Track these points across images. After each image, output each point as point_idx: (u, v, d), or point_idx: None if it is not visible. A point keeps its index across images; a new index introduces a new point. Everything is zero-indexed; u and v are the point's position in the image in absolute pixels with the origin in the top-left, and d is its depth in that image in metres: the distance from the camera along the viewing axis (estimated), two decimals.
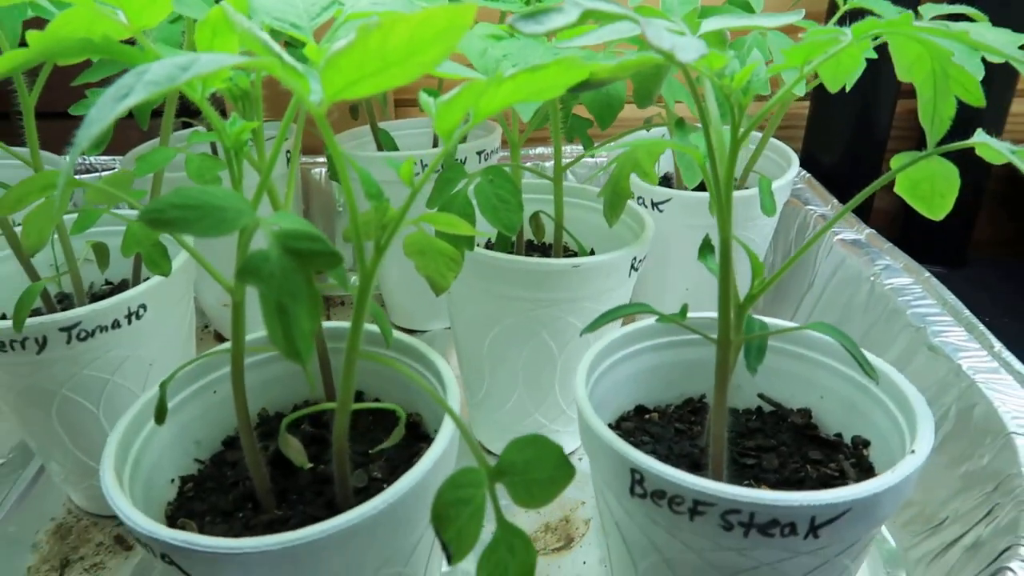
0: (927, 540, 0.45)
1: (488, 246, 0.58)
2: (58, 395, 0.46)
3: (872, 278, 0.58)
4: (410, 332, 0.75)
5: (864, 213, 0.84)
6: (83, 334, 0.44)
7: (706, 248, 0.39)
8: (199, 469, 0.39)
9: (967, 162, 0.91)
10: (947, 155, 0.35)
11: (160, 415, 0.33)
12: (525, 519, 0.52)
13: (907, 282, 0.55)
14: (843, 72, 0.37)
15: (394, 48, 0.23)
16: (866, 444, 0.37)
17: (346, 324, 0.41)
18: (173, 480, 0.37)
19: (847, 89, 0.51)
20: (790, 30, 0.57)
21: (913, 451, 0.31)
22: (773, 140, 0.66)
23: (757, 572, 0.31)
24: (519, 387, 0.53)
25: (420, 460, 0.31)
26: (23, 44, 0.37)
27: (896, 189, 0.38)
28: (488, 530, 0.26)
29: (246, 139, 0.32)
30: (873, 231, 0.64)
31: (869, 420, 0.37)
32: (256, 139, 0.36)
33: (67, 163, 0.23)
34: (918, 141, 0.86)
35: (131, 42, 0.32)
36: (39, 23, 0.37)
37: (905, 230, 0.88)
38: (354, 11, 0.34)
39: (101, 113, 0.21)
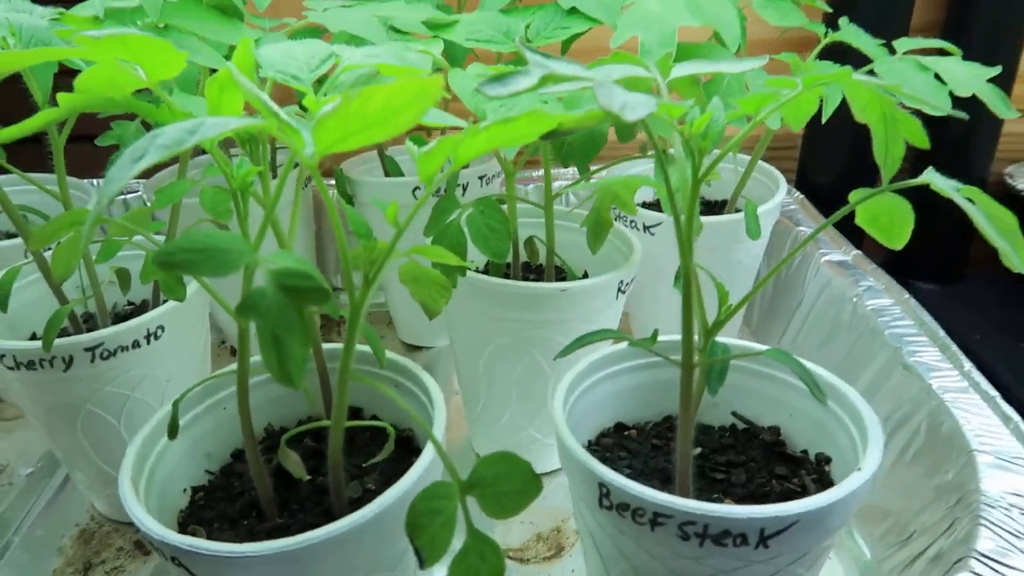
0: (899, 552, 0.47)
1: (486, 269, 0.61)
2: (83, 410, 0.50)
3: (855, 299, 0.60)
4: (416, 348, 0.78)
5: (859, 231, 0.85)
6: (106, 353, 0.48)
7: (679, 275, 0.41)
8: (209, 480, 0.42)
9: (962, 180, 0.93)
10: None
11: (172, 431, 0.36)
12: (519, 530, 0.54)
13: (887, 303, 0.58)
14: (803, 114, 0.39)
15: (373, 112, 0.26)
16: (828, 461, 0.40)
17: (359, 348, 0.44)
18: (185, 490, 0.41)
19: (823, 121, 0.54)
20: (774, 65, 0.59)
21: (860, 468, 0.33)
22: (763, 164, 0.68)
23: None
24: (513, 403, 0.56)
25: (406, 474, 0.34)
26: (54, 91, 0.41)
27: (857, 221, 0.41)
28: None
29: (251, 181, 0.35)
30: (860, 253, 0.66)
31: (832, 438, 0.39)
32: (262, 178, 0.39)
33: (92, 212, 0.27)
34: (911, 163, 0.87)
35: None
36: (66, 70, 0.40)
37: (903, 248, 0.89)
38: (349, 63, 0.37)
39: (120, 173, 0.25)
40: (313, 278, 0.28)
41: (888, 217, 0.38)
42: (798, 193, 0.78)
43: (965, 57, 0.82)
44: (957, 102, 0.53)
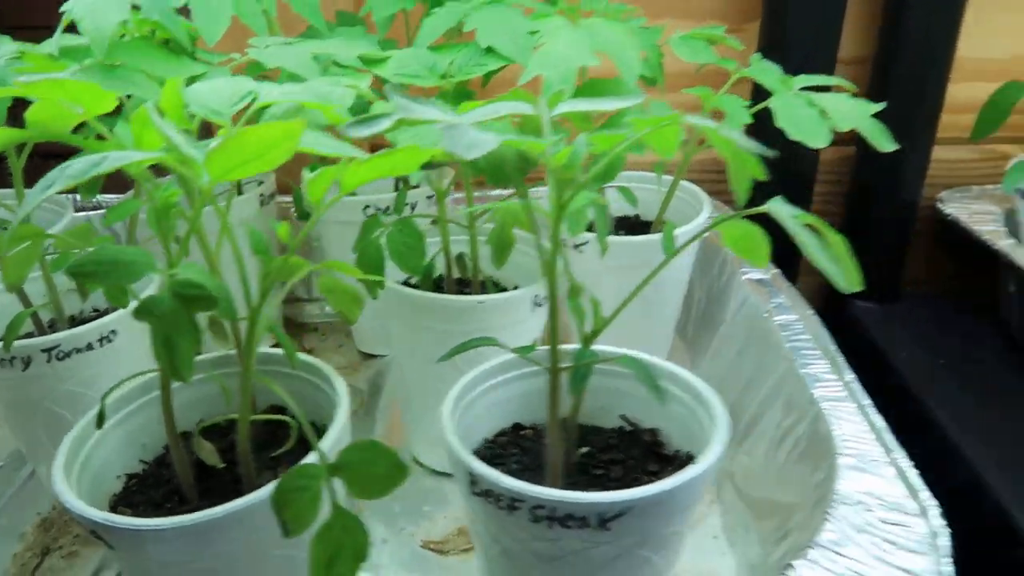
0: (779, 547, 0.51)
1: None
2: (41, 406, 0.55)
3: (766, 314, 0.64)
4: (372, 356, 0.83)
5: (796, 251, 0.90)
6: (61, 355, 0.53)
7: (573, 291, 0.46)
8: (143, 468, 0.46)
9: (895, 204, 0.99)
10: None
11: (100, 421, 0.41)
12: (443, 524, 0.59)
13: (792, 318, 0.62)
14: (669, 146, 0.44)
15: (249, 148, 0.31)
16: (692, 458, 0.44)
17: (278, 351, 0.49)
18: (119, 476, 0.45)
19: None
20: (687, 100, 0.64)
21: (696, 463, 0.38)
22: (689, 186, 0.73)
23: (568, 559, 0.38)
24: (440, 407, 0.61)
25: (299, 463, 0.38)
26: (14, 118, 0.46)
27: (725, 243, 0.45)
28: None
29: (173, 202, 0.40)
30: (779, 272, 0.71)
31: (697, 438, 0.44)
32: (190, 199, 0.44)
33: (11, 227, 0.32)
34: (846, 185, 0.92)
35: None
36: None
37: None
38: (267, 99, 0.42)
39: (33, 198, 0.30)
40: (204, 288, 0.33)
41: (746, 240, 0.43)
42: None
43: (894, 88, 0.87)
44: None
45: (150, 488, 0.45)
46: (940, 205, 0.87)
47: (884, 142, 0.54)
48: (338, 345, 0.85)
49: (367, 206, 0.72)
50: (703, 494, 0.41)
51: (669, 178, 0.70)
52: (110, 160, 0.31)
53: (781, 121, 0.54)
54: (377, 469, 0.34)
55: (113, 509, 0.43)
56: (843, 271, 0.40)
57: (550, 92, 0.51)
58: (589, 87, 0.56)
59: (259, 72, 0.57)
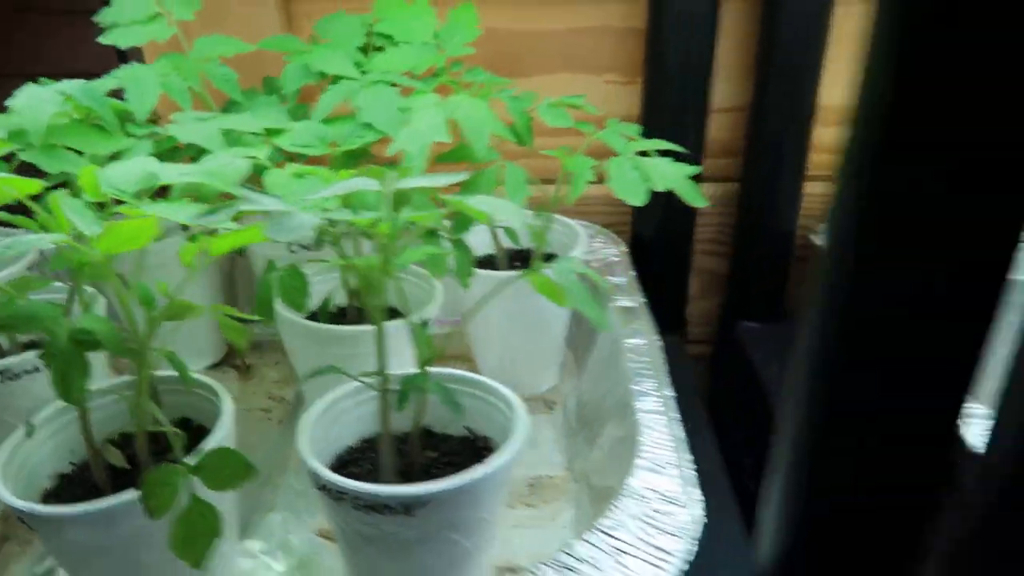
0: None
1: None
2: None
3: (624, 338, 0.75)
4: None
5: (683, 274, 1.01)
6: (12, 375, 0.64)
7: (417, 328, 0.57)
8: (72, 469, 0.58)
9: (774, 235, 1.10)
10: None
11: (29, 432, 0.52)
12: None
13: (641, 343, 0.73)
14: (482, 218, 0.54)
15: (119, 236, 0.42)
16: None
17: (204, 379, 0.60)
18: (51, 476, 0.56)
19: (570, 201, 0.69)
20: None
21: (486, 465, 0.48)
22: (567, 221, 0.83)
23: (387, 539, 0.48)
24: None
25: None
26: None
27: (538, 291, 0.55)
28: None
29: (85, 262, 0.51)
30: (645, 301, 0.82)
31: None
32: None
33: None
34: (732, 216, 1.03)
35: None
36: None
37: (729, 291, 1.05)
38: (165, 180, 0.53)
39: None
40: (94, 334, 0.44)
41: (549, 288, 0.53)
42: (624, 247, 0.94)
43: (765, 134, 0.98)
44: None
45: (75, 485, 0.56)
46: (812, 236, 0.98)
47: (695, 199, 0.64)
48: (275, 362, 0.96)
49: (291, 243, 0.84)
50: (498, 489, 0.52)
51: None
52: (21, 243, 0.42)
53: (611, 182, 0.64)
54: (226, 470, 0.45)
55: (44, 501, 0.54)
56: (603, 315, 0.50)
57: (410, 163, 0.62)
58: (455, 152, 0.67)
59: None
